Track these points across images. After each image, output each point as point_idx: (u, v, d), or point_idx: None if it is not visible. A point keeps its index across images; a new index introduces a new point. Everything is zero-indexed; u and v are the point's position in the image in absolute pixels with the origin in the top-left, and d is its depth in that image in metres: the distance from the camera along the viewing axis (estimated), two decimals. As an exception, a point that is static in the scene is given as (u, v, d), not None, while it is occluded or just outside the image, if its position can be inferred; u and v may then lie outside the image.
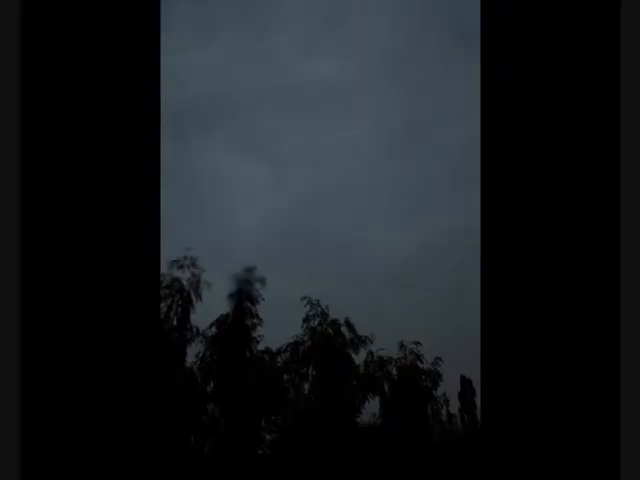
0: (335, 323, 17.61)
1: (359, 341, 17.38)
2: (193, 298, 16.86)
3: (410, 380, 17.44)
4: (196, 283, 17.01)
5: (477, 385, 22.20)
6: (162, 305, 16.18)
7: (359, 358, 17.58)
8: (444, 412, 18.81)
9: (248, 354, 16.71)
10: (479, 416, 21.06)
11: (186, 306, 16.71)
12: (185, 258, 17.07)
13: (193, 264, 17.12)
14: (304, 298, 17.57)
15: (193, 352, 16.53)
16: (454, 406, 21.22)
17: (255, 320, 17.05)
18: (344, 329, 17.54)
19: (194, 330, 16.64)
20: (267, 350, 17.25)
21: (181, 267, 17.00)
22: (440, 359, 17.96)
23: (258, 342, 16.97)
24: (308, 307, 17.60)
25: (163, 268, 16.43)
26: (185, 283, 16.96)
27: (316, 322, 17.61)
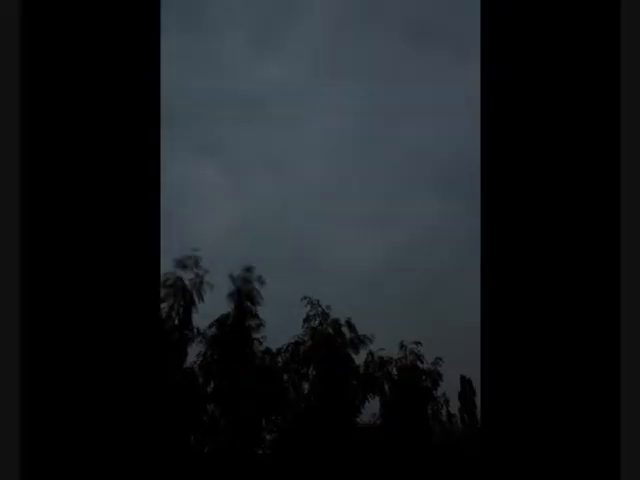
0: (336, 323, 17.61)
1: (359, 341, 17.38)
2: (195, 298, 16.85)
3: (410, 380, 17.44)
4: (199, 284, 16.99)
5: (477, 385, 22.20)
6: (164, 305, 16.18)
7: (359, 358, 17.61)
8: (444, 412, 18.82)
9: (248, 354, 16.71)
10: (479, 416, 21.05)
11: (188, 306, 16.69)
12: (189, 258, 17.04)
13: (196, 264, 17.10)
14: (304, 298, 17.58)
15: (194, 352, 16.55)
16: (454, 406, 21.23)
17: (256, 320, 17.05)
18: (344, 329, 17.56)
19: (195, 330, 16.63)
20: (267, 350, 17.25)
21: (185, 267, 16.97)
22: (440, 359, 17.98)
23: (261, 343, 16.99)
24: (309, 307, 17.63)
25: (167, 268, 16.45)
26: (187, 283, 16.95)
27: (316, 322, 17.61)
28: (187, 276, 17.00)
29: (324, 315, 17.65)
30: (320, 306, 17.68)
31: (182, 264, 16.87)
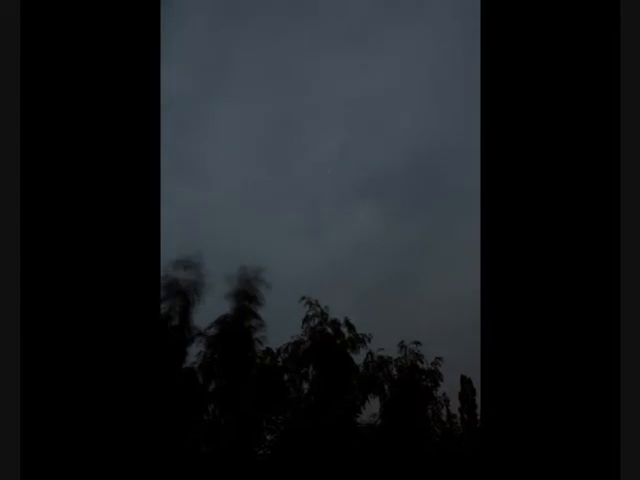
0: (335, 323, 17.63)
1: (357, 340, 17.38)
2: (195, 298, 16.84)
3: (410, 380, 17.44)
4: (199, 284, 16.96)
5: (477, 385, 22.21)
6: (164, 305, 16.17)
7: (359, 358, 17.62)
8: (444, 412, 18.84)
9: (249, 354, 16.72)
10: (479, 416, 21.07)
11: (188, 306, 16.70)
12: (189, 259, 17.00)
13: (197, 265, 17.07)
14: (303, 298, 17.59)
15: (194, 352, 16.57)
16: (454, 406, 21.25)
17: (258, 321, 17.06)
18: (344, 329, 17.57)
19: (194, 330, 16.64)
20: (267, 350, 17.26)
21: (185, 267, 16.94)
22: (440, 359, 17.98)
23: (261, 343, 17.01)
24: (307, 307, 17.62)
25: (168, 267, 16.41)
26: (187, 283, 16.91)
27: (316, 322, 17.62)
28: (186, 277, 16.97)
29: (323, 315, 17.66)
30: (319, 306, 17.69)
31: (183, 264, 16.85)
